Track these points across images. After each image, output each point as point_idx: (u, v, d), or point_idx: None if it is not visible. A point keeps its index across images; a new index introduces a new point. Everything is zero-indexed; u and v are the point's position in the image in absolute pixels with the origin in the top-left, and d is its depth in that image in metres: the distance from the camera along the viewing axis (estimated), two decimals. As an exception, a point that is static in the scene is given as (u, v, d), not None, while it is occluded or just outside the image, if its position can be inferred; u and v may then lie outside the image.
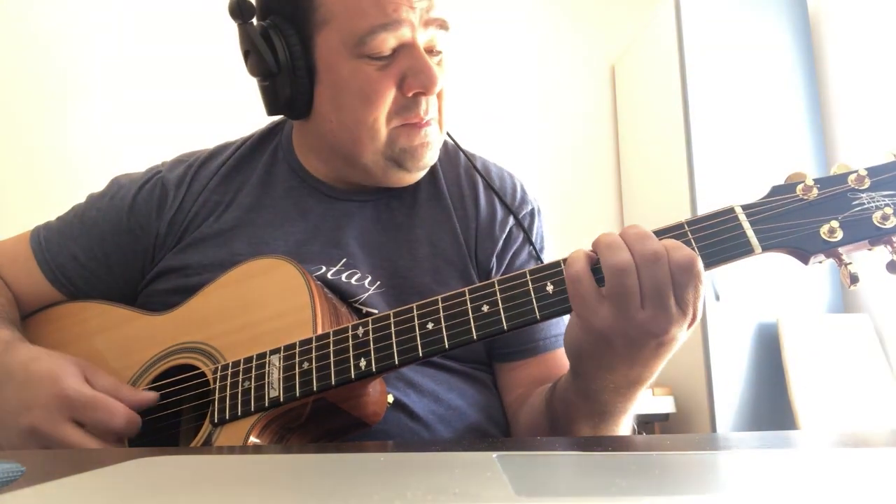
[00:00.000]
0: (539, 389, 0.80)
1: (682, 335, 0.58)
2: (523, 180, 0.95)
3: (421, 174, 0.85)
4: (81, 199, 0.92)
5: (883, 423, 2.05)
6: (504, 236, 0.86)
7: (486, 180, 0.89)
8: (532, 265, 0.86)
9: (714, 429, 2.16)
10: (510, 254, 0.86)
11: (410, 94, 0.77)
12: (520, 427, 0.81)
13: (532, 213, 0.91)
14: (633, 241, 0.57)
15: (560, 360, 0.84)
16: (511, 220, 0.87)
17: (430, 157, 0.82)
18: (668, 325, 0.56)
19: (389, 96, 0.77)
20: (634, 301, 0.56)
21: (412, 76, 0.76)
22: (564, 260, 0.61)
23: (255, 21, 0.81)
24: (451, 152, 0.94)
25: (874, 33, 2.30)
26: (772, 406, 2.20)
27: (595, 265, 0.58)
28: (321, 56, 0.79)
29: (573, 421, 0.68)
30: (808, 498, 0.30)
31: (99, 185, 0.92)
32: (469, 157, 0.91)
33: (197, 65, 2.61)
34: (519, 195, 0.91)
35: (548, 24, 3.04)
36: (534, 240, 0.88)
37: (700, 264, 0.56)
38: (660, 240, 0.58)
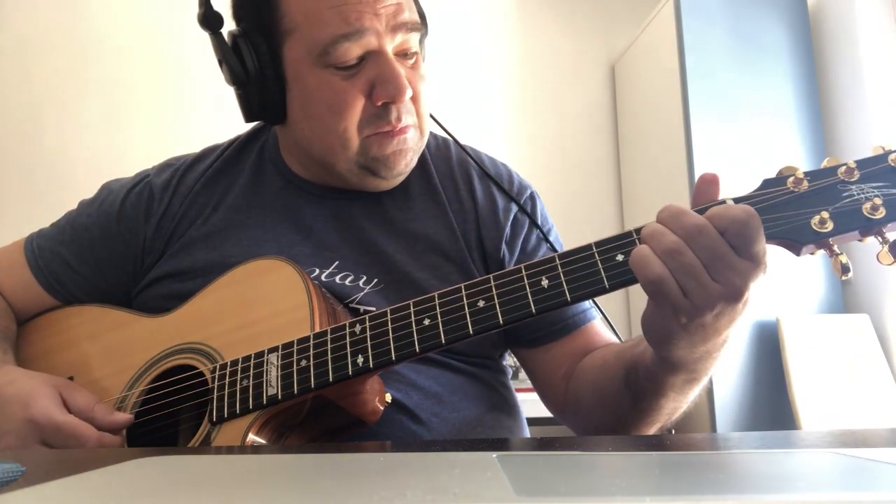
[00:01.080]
0: (590, 364, 0.79)
1: (759, 285, 0.57)
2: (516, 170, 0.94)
3: (398, 180, 0.85)
4: (76, 205, 0.93)
5: (883, 423, 2.05)
6: (510, 223, 0.86)
7: (481, 167, 0.89)
8: (544, 248, 0.86)
9: (714, 429, 2.16)
10: (521, 239, 0.86)
11: (379, 104, 0.76)
12: (587, 408, 0.79)
13: (532, 197, 0.90)
14: (670, 221, 0.56)
15: (593, 331, 0.84)
16: (513, 208, 0.87)
17: (406, 164, 0.81)
18: (745, 284, 0.55)
19: (358, 106, 0.76)
20: (703, 275, 0.54)
21: (380, 85, 0.75)
22: (559, 255, 0.61)
23: (227, 29, 0.81)
24: (441, 145, 0.93)
25: (874, 33, 2.30)
26: (772, 406, 2.20)
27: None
28: (289, 65, 0.78)
29: (663, 394, 0.67)
30: (808, 498, 0.30)
31: (94, 191, 0.93)
32: (462, 147, 0.91)
33: (195, 67, 2.60)
34: (516, 182, 0.91)
35: (548, 24, 3.04)
36: (539, 223, 0.88)
37: (756, 216, 0.55)
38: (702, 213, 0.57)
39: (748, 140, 2.38)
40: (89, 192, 0.93)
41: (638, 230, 0.59)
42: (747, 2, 2.50)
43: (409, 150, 0.80)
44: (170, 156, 0.95)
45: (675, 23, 2.47)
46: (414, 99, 0.78)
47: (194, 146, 0.97)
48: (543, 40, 3.02)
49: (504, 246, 0.84)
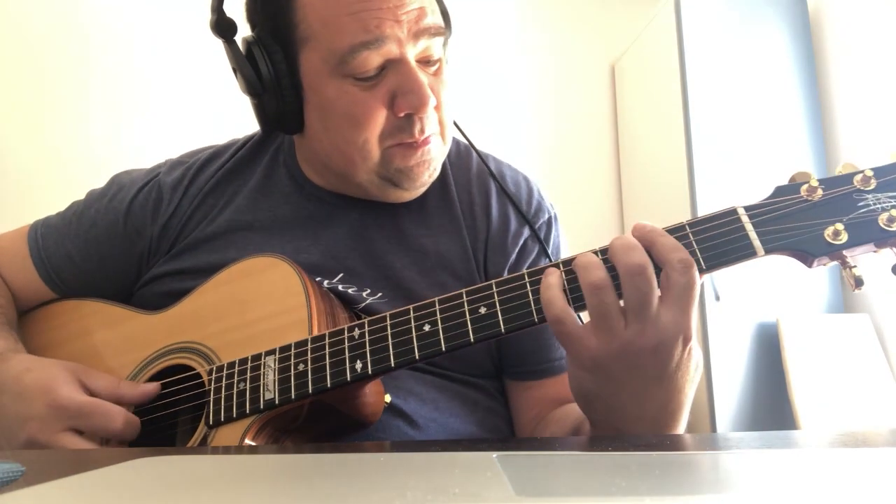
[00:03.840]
0: (556, 415, 0.78)
1: (678, 353, 0.55)
2: (539, 184, 0.91)
3: (421, 191, 0.82)
4: (78, 190, 0.92)
5: (883, 423, 2.05)
6: (518, 249, 0.83)
7: (501, 185, 0.85)
8: None
9: (714, 429, 2.16)
10: (526, 265, 0.83)
11: (402, 115, 0.72)
12: None
13: (549, 222, 0.87)
14: (617, 253, 0.55)
15: None
16: (526, 231, 0.84)
17: (430, 175, 0.78)
18: (658, 334, 0.54)
19: (380, 117, 0.72)
20: (616, 317, 0.54)
21: (401, 96, 0.71)
22: (564, 261, 0.60)
23: (242, 37, 0.77)
24: (462, 153, 0.90)
25: (874, 34, 2.30)
26: (772, 406, 2.20)
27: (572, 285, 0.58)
28: (305, 75, 0.75)
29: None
30: (808, 498, 0.30)
31: (94, 180, 0.92)
32: (483, 159, 0.87)
33: (199, 64, 2.61)
34: (535, 202, 0.87)
35: (548, 24, 3.04)
36: (550, 251, 0.84)
37: (695, 270, 0.54)
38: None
39: (748, 140, 2.39)
40: (89, 186, 0.92)
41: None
42: (747, 2, 2.50)
43: (432, 160, 0.77)
44: (174, 150, 0.94)
45: (675, 23, 2.48)
46: (436, 107, 0.75)
47: (199, 141, 0.95)
48: (543, 40, 3.02)
49: (507, 272, 0.81)
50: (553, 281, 0.57)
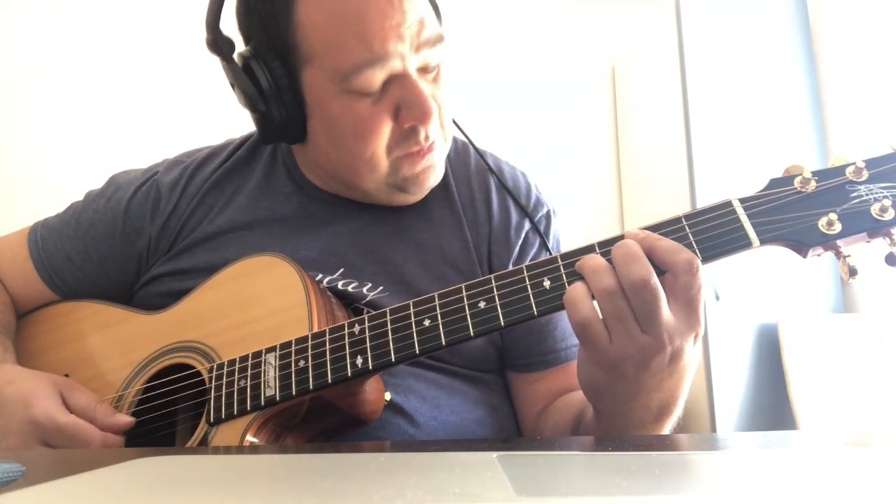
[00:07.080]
0: (558, 404, 0.79)
1: (689, 348, 0.57)
2: (537, 180, 0.92)
3: (426, 193, 0.83)
4: (76, 191, 0.92)
5: (883, 423, 2.05)
6: (520, 242, 0.84)
7: (500, 180, 0.86)
8: None
9: (714, 429, 2.16)
10: (528, 259, 0.84)
11: (406, 126, 0.73)
12: None
13: (548, 216, 0.88)
14: (618, 264, 0.56)
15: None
16: (527, 225, 0.85)
17: (435, 178, 0.80)
18: (672, 337, 0.55)
19: (385, 129, 0.73)
20: (631, 322, 0.55)
21: (406, 109, 0.72)
22: (561, 256, 0.61)
23: (237, 52, 0.76)
24: (460, 150, 0.90)
25: (874, 34, 2.30)
26: (772, 406, 2.20)
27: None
28: (309, 92, 0.75)
29: None
30: (808, 498, 0.30)
31: (93, 180, 0.92)
32: (481, 155, 0.88)
33: (197, 61, 2.60)
34: (534, 197, 0.88)
35: (548, 24, 3.04)
36: (550, 245, 0.86)
37: (700, 267, 0.55)
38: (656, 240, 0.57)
39: (748, 140, 2.39)
40: (87, 188, 0.92)
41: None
42: (747, 2, 2.50)
43: (437, 164, 0.79)
44: (169, 151, 0.94)
45: (675, 23, 2.47)
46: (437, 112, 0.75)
47: (196, 141, 0.95)
48: (543, 40, 3.02)
49: (511, 266, 0.81)
50: (579, 286, 0.57)
